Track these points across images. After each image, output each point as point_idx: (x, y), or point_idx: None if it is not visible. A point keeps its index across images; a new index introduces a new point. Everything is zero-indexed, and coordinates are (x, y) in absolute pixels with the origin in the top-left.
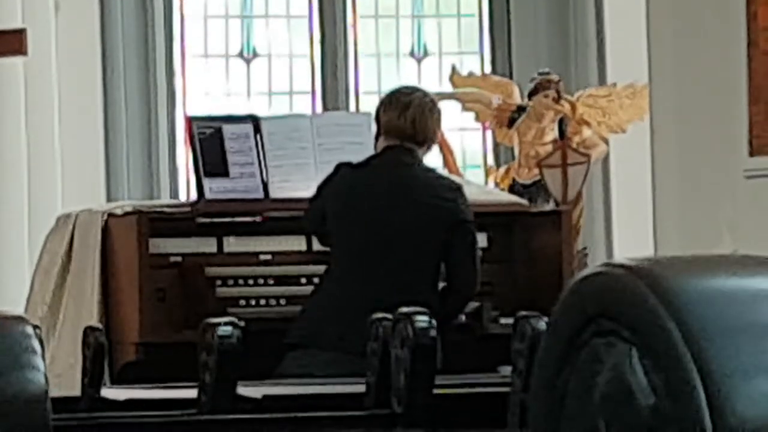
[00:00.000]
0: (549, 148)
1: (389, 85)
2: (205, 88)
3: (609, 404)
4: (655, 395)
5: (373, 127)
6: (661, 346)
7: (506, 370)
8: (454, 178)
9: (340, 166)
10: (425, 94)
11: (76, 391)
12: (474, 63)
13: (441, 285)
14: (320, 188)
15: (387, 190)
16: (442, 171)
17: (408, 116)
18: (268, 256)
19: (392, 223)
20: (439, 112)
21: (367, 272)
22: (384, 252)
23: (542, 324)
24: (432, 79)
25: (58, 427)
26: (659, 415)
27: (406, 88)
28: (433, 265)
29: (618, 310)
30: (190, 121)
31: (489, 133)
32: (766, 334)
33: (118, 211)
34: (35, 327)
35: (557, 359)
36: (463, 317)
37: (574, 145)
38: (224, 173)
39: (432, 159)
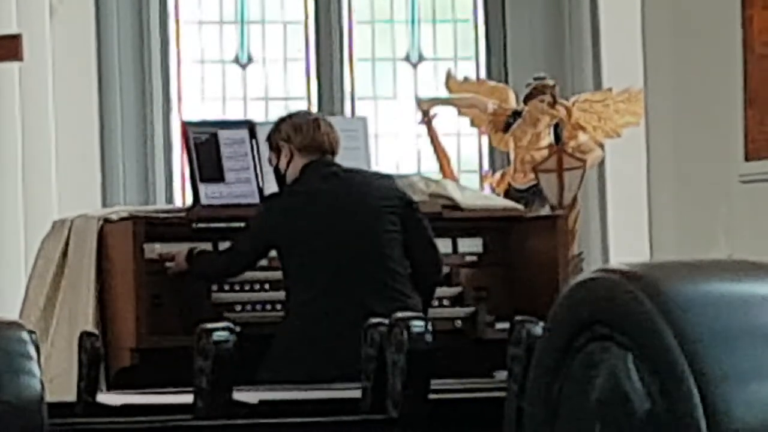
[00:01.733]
0: (545, 153)
1: (385, 90)
2: (201, 94)
3: (605, 409)
4: (651, 400)
5: (363, 132)
6: (656, 351)
7: (502, 375)
8: (418, 178)
9: (270, 198)
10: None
11: (68, 395)
12: (469, 68)
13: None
14: (258, 225)
15: (338, 203)
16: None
17: (322, 131)
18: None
19: (356, 232)
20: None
21: (351, 289)
22: (358, 264)
23: (538, 329)
24: (427, 84)
25: None
26: (655, 420)
27: (302, 111)
28: (403, 258)
29: (613, 316)
30: (185, 126)
31: (485, 138)
32: (761, 339)
33: (114, 217)
34: (31, 332)
35: (553, 364)
36: (458, 322)
37: (570, 150)
38: (220, 178)
39: (428, 164)
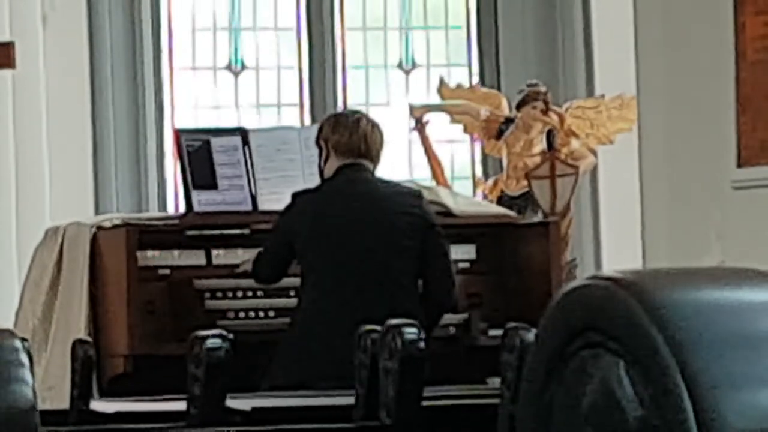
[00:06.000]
0: (537, 159)
1: (377, 97)
2: (194, 101)
3: (597, 416)
4: (643, 407)
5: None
6: (648, 358)
7: (495, 381)
8: (412, 185)
9: (296, 195)
10: (367, 115)
11: (67, 404)
12: (462, 75)
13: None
14: (279, 223)
15: (355, 208)
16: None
17: (360, 134)
18: None
19: (366, 240)
20: (382, 133)
21: (352, 294)
22: (364, 271)
23: (531, 335)
24: (420, 91)
25: None
26: (646, 427)
27: (348, 110)
28: (412, 275)
29: (605, 323)
30: (178, 133)
31: (477, 145)
32: (752, 346)
33: (107, 224)
34: (23, 340)
35: (545, 372)
36: (452, 329)
37: (563, 157)
38: (213, 186)
39: (421, 171)
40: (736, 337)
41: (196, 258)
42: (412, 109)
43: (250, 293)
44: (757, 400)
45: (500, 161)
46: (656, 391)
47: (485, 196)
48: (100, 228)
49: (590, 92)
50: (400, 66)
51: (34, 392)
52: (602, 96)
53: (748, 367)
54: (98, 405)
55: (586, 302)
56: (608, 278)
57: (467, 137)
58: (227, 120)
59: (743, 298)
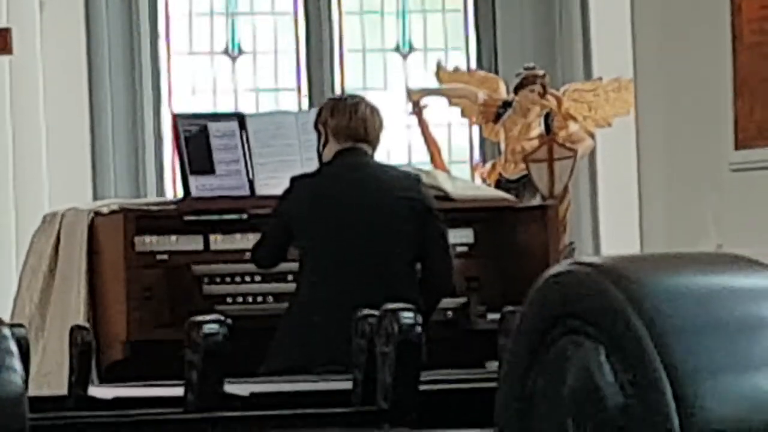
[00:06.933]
0: (535, 143)
1: (375, 81)
2: (191, 86)
3: (578, 404)
4: (624, 394)
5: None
6: (628, 344)
7: (493, 365)
8: (410, 169)
9: (294, 180)
10: (366, 100)
11: (64, 389)
12: (460, 58)
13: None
14: (278, 207)
15: (353, 192)
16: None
17: (359, 118)
18: None
19: (364, 224)
20: (381, 118)
21: (350, 279)
22: (362, 255)
23: None
24: (418, 75)
25: (45, 427)
26: (628, 414)
27: (347, 94)
28: (410, 259)
29: (585, 309)
30: (175, 118)
31: (475, 129)
32: (734, 332)
33: (105, 210)
34: (15, 326)
35: (525, 358)
36: (450, 313)
37: (561, 140)
38: (210, 171)
39: (418, 155)
40: (718, 323)
41: (194, 243)
42: (409, 93)
43: (248, 278)
44: (737, 387)
45: (498, 145)
46: (636, 377)
47: (483, 180)
48: (97, 213)
49: (588, 75)
50: (397, 50)
51: (24, 380)
52: (600, 79)
53: (729, 354)
54: (96, 391)
55: (566, 288)
56: (589, 264)
57: (465, 121)
58: (225, 105)
59: (726, 284)
